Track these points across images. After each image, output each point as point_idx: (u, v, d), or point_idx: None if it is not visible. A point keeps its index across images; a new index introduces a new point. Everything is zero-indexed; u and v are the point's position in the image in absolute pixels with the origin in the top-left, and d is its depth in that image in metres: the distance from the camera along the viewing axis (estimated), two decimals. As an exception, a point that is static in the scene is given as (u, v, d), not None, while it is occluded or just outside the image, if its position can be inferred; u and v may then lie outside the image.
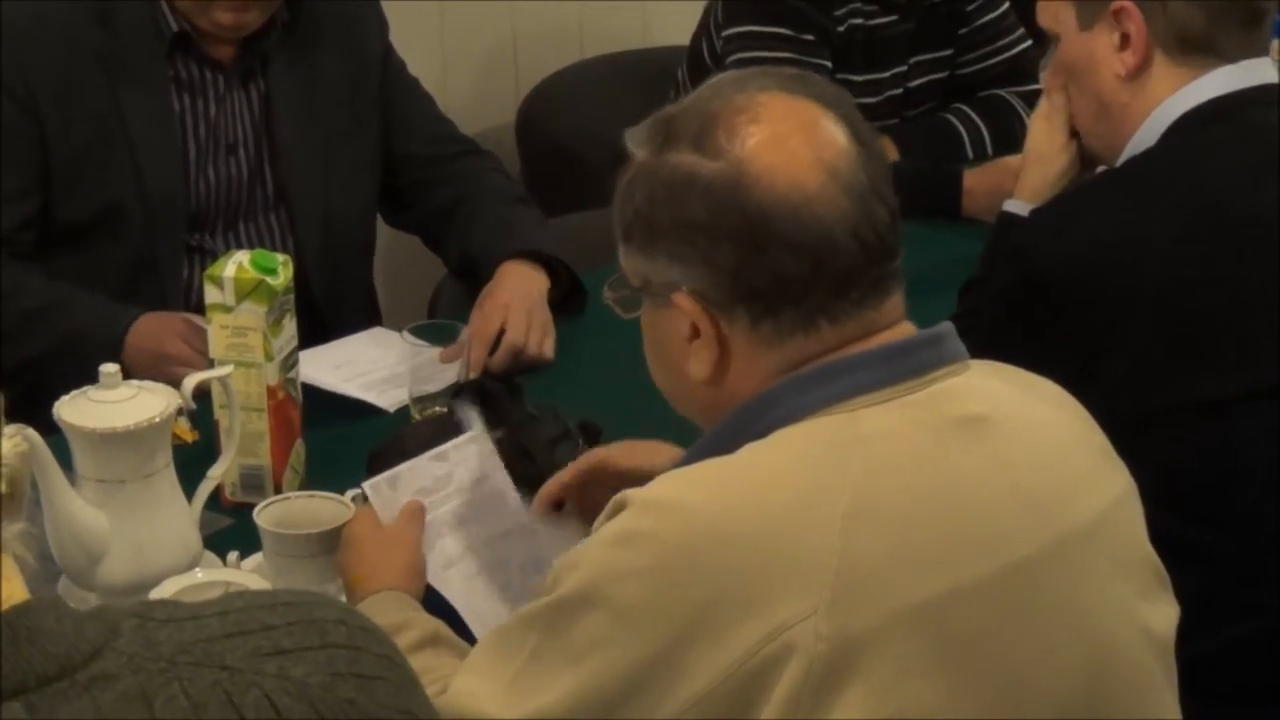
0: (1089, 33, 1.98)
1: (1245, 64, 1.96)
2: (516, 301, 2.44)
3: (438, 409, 2.17)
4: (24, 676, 0.98)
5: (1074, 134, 2.23)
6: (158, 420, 1.84)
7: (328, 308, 2.43)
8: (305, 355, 2.25)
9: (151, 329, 2.28)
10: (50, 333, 2.35)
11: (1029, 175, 2.29)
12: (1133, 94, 1.97)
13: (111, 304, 2.39)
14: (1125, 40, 1.95)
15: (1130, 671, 1.43)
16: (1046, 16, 2.05)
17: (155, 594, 1.76)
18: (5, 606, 1.01)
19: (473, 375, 2.30)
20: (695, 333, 1.44)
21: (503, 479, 1.94)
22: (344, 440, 2.18)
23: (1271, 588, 1.84)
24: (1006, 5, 3.17)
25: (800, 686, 1.28)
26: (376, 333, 2.52)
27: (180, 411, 1.92)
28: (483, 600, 1.81)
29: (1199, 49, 1.95)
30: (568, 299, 2.51)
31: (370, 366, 2.41)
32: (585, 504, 1.89)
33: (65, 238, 2.51)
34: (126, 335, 2.28)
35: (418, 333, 2.29)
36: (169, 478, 1.90)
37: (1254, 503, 1.87)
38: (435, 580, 1.82)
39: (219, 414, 2.07)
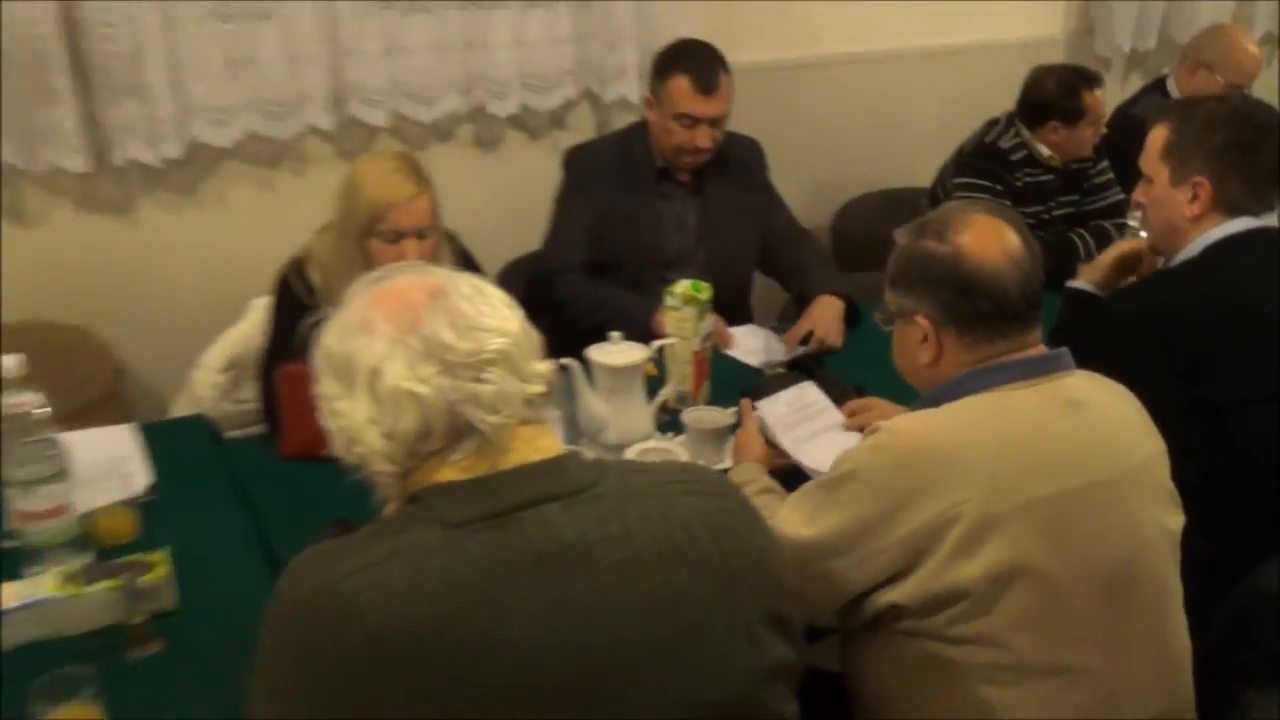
0: (1175, 187, 1.87)
1: (1263, 216, 1.87)
2: (827, 314, 2.41)
3: (780, 370, 2.16)
4: (559, 490, 1.01)
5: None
6: (637, 362, 1.91)
7: (726, 313, 2.43)
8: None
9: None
10: (609, 311, 2.39)
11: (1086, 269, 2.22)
12: (1191, 224, 1.87)
13: (640, 299, 2.42)
14: (1195, 197, 1.85)
15: (1154, 555, 1.39)
16: (1149, 166, 1.92)
17: (628, 453, 1.81)
18: (552, 454, 1.05)
19: (803, 351, 2.30)
20: (924, 338, 1.45)
21: (826, 401, 1.95)
22: (730, 381, 2.17)
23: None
24: (1111, 173, 2.99)
25: (962, 538, 1.29)
26: (750, 328, 2.52)
27: (649, 358, 1.96)
28: (816, 458, 1.81)
29: (1238, 209, 1.85)
30: (851, 317, 2.46)
31: (745, 344, 2.41)
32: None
33: (600, 270, 2.57)
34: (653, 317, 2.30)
35: (773, 329, 2.30)
36: (641, 392, 1.94)
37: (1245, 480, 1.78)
38: (793, 449, 1.85)
39: (668, 363, 2.11)
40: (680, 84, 2.42)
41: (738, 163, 2.63)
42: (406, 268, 1.08)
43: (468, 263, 2.16)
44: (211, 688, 1.39)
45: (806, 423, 1.90)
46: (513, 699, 0.92)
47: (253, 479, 1.90)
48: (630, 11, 3.06)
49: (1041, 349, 1.45)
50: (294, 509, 1.79)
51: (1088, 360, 1.49)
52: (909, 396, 1.56)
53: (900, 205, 3.21)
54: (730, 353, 2.37)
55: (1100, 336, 1.86)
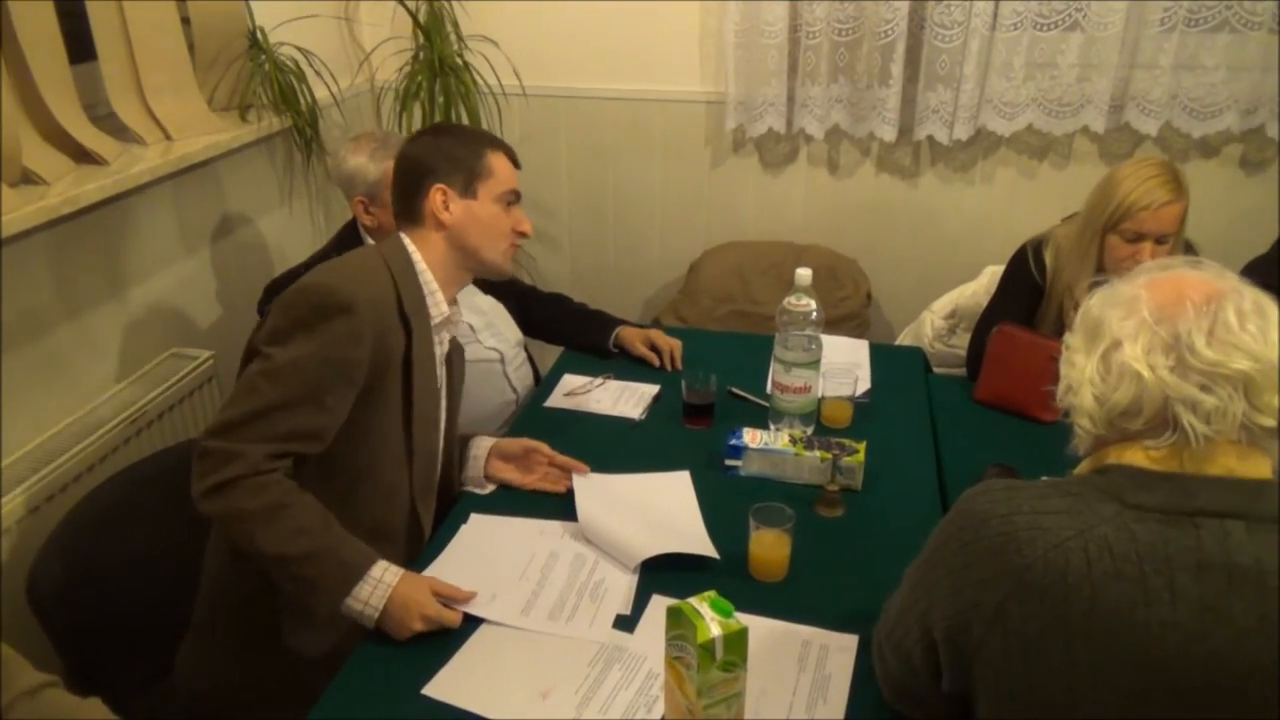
0: None
1: None
2: None
3: None
4: (1251, 511, 0.85)
5: None
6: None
7: None
8: None
9: None
10: None
11: None
12: None
13: None
14: None
15: None
16: None
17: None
18: (1257, 475, 0.88)
19: None
20: None
21: None
22: None
23: None
24: None
25: None
26: None
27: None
28: None
29: None
30: None
31: None
32: None
33: None
34: None
35: None
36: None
37: None
38: None
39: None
40: None
41: None
42: (1206, 264, 0.97)
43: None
44: (871, 560, 1.43)
45: None
46: (1126, 674, 0.84)
47: (944, 410, 1.89)
48: None
49: None
50: (968, 444, 1.75)
51: None
52: None
53: None
54: None
55: None
